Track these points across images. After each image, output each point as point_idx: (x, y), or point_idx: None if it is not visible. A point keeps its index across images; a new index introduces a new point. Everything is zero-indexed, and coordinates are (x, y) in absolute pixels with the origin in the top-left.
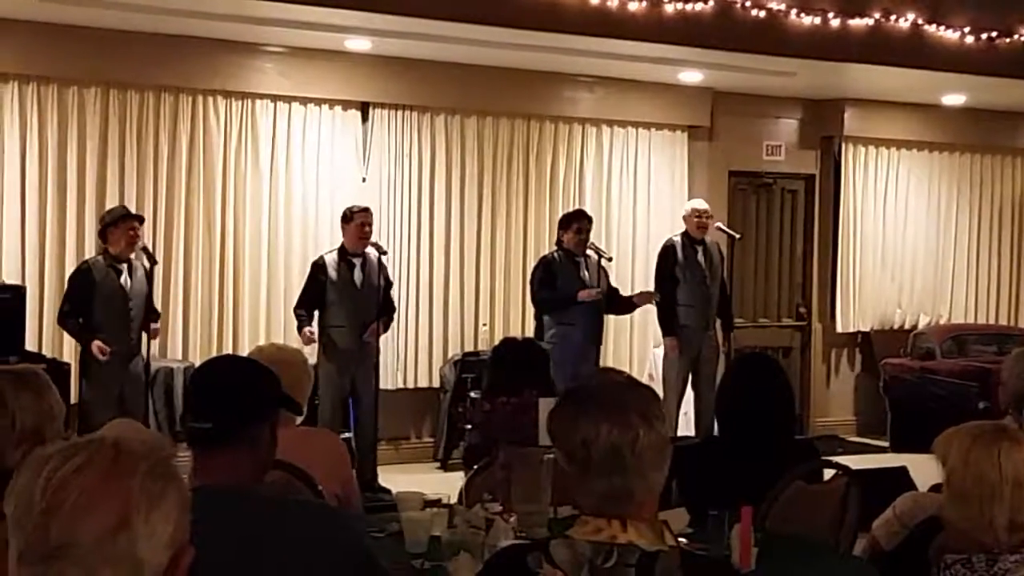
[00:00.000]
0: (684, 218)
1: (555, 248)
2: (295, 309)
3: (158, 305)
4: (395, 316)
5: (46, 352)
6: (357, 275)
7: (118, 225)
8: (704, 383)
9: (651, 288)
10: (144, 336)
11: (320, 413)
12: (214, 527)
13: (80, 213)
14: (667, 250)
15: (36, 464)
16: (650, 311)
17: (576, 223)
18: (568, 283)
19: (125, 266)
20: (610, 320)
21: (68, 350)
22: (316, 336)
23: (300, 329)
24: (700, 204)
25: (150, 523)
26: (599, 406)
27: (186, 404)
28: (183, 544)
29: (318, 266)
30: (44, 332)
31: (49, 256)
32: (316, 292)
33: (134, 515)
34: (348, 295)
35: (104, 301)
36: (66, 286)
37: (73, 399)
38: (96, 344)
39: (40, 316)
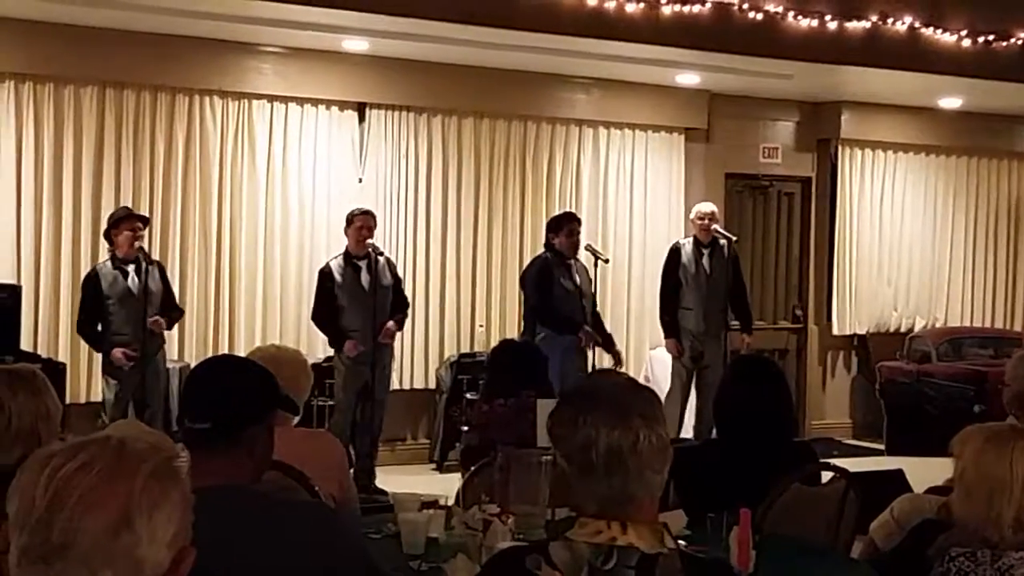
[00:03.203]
0: (691, 222)
1: (545, 251)
2: (316, 322)
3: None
4: (408, 312)
5: (41, 352)
6: (364, 277)
7: (120, 226)
8: (708, 388)
9: (656, 290)
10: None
11: (334, 420)
12: (211, 528)
13: (76, 212)
14: (673, 253)
15: (38, 463)
16: (651, 312)
17: (568, 225)
18: (561, 288)
19: (132, 267)
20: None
21: (64, 350)
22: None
23: (342, 346)
24: (704, 207)
25: (152, 523)
26: (600, 408)
27: (182, 405)
28: (185, 546)
29: (324, 273)
30: (40, 332)
31: (45, 256)
32: (327, 299)
33: (136, 515)
34: (358, 298)
35: (116, 304)
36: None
37: (69, 399)
38: (117, 353)
39: (36, 316)
